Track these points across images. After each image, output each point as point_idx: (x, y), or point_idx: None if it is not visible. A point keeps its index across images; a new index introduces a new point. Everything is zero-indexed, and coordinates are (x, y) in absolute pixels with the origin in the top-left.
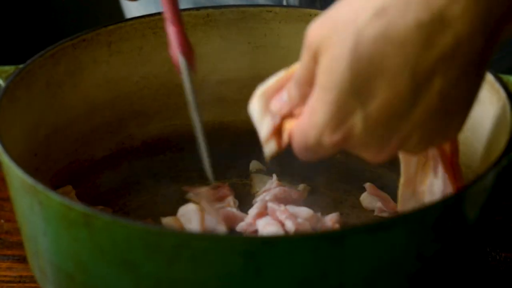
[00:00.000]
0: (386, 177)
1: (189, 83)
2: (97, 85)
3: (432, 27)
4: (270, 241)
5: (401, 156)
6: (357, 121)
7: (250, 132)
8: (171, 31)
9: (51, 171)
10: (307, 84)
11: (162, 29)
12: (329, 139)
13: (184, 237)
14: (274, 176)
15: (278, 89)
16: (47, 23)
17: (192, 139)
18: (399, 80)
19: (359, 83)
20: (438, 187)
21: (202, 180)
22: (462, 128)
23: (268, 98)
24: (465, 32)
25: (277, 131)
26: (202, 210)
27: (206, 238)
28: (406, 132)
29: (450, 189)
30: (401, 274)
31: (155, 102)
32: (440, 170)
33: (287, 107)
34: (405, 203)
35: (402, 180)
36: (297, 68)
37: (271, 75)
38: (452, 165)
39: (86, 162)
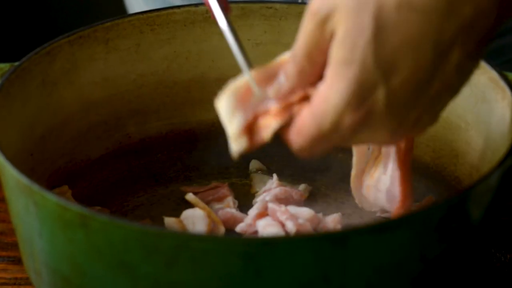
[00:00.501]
0: None
1: (226, 21)
2: (94, 83)
3: None
4: (271, 243)
5: (354, 148)
6: (379, 97)
7: None
8: None
9: (47, 171)
10: (308, 59)
11: (160, 26)
12: (350, 119)
13: (182, 238)
14: (275, 176)
15: (250, 88)
16: (43, 20)
17: (191, 138)
18: (422, 50)
19: (383, 55)
20: (384, 184)
21: (201, 180)
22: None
23: (238, 96)
24: (485, 3)
25: (249, 128)
26: (209, 216)
27: (205, 239)
28: (424, 108)
29: (395, 189)
30: (404, 275)
31: (153, 101)
32: (390, 167)
33: (286, 88)
34: (356, 195)
35: (354, 171)
36: (297, 42)
37: None
38: (404, 164)
39: (83, 161)
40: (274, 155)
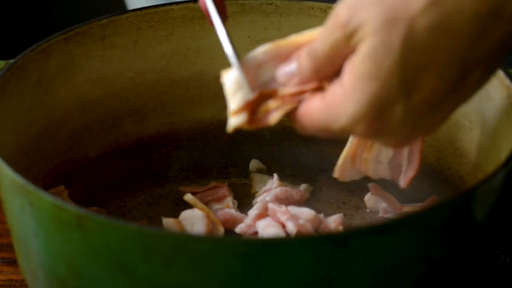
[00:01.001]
0: None
1: (222, 28)
2: (91, 81)
3: (488, 19)
4: (271, 244)
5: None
6: (397, 112)
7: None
8: None
9: (42, 170)
10: (327, 62)
11: (158, 23)
12: (363, 128)
13: (181, 239)
14: (275, 175)
15: (261, 64)
16: (38, 16)
17: (189, 137)
18: (448, 71)
19: (407, 74)
20: (386, 155)
21: (200, 180)
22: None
23: (246, 71)
24: None
25: (251, 106)
26: (208, 217)
27: (204, 240)
28: (438, 119)
29: (403, 160)
30: (407, 277)
31: (151, 99)
32: None
33: (296, 80)
34: (344, 173)
35: (347, 148)
36: (318, 41)
37: None
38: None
39: (79, 161)
40: (275, 154)
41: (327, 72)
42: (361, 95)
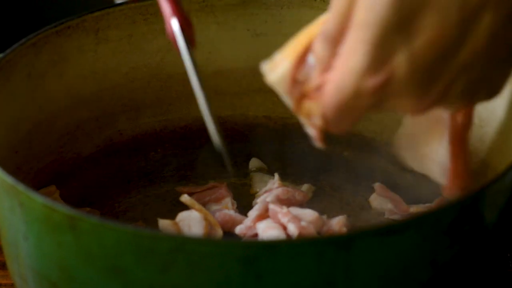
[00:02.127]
0: (397, 177)
1: (190, 59)
2: (83, 76)
3: None
4: (272, 246)
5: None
6: (400, 61)
7: (249, 127)
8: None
9: (33, 169)
10: (340, 35)
11: (154, 15)
12: (371, 83)
13: (178, 241)
14: (276, 175)
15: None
16: (28, 9)
17: (186, 135)
18: (447, 13)
19: (403, 17)
20: (440, 156)
21: (197, 179)
22: (506, 82)
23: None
24: None
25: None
26: (206, 219)
27: (203, 242)
28: (451, 76)
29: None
30: (413, 281)
31: (147, 95)
32: (446, 140)
33: (317, 70)
34: (406, 152)
35: (402, 130)
36: (326, 19)
37: None
38: (458, 140)
39: (72, 160)
40: (275, 152)
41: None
42: (359, 45)
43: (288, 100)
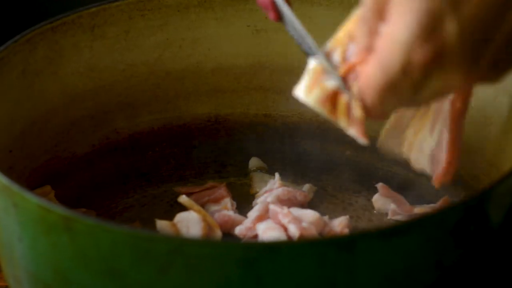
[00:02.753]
0: (400, 177)
1: (292, 15)
2: (79, 73)
3: None
4: (272, 248)
5: None
6: (450, 29)
7: (249, 126)
8: None
9: (27, 169)
10: (380, 14)
11: (151, 11)
12: (421, 55)
13: (176, 243)
14: (277, 175)
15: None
16: (23, 4)
17: (185, 133)
18: None
19: None
20: (429, 146)
21: (196, 179)
22: None
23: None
24: None
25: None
26: (205, 220)
27: (202, 244)
28: (503, 39)
29: (441, 153)
30: (417, 284)
31: (144, 93)
32: (437, 128)
33: (359, 56)
34: (387, 140)
35: (389, 123)
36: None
37: (272, 62)
38: (456, 125)
39: (67, 159)
40: (276, 152)
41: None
42: (406, 16)
43: (322, 111)
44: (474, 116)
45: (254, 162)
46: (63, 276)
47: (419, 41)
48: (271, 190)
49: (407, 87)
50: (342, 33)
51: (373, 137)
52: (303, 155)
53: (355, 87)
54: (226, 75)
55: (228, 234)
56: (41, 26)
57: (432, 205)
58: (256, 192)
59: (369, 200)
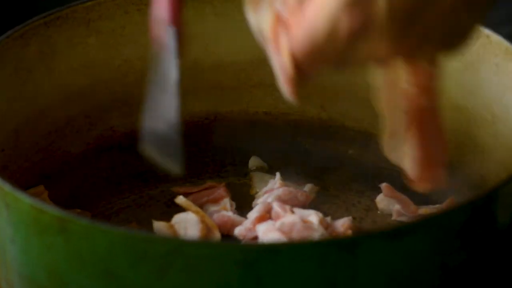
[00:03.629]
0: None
1: (175, 67)
2: (73, 69)
3: None
4: (272, 249)
5: (384, 109)
6: (380, 2)
7: (249, 124)
8: None
9: (20, 168)
10: None
11: (148, 6)
12: (347, 24)
13: (174, 244)
14: (277, 174)
15: None
16: None
17: (183, 132)
18: None
19: None
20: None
21: (194, 179)
22: (479, 23)
23: None
24: None
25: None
26: (203, 221)
27: (200, 245)
28: (432, 18)
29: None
30: (423, 286)
31: (140, 90)
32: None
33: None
34: (389, 149)
35: (385, 133)
36: None
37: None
38: (422, 124)
39: (61, 158)
40: (277, 151)
41: None
42: None
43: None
44: (482, 114)
45: (254, 161)
46: (57, 279)
47: (346, 10)
48: (271, 190)
49: (332, 53)
50: None
51: (375, 135)
52: (304, 154)
53: (286, 42)
54: (226, 71)
55: (227, 235)
56: (34, 21)
57: (437, 206)
58: (256, 192)
59: (373, 200)
